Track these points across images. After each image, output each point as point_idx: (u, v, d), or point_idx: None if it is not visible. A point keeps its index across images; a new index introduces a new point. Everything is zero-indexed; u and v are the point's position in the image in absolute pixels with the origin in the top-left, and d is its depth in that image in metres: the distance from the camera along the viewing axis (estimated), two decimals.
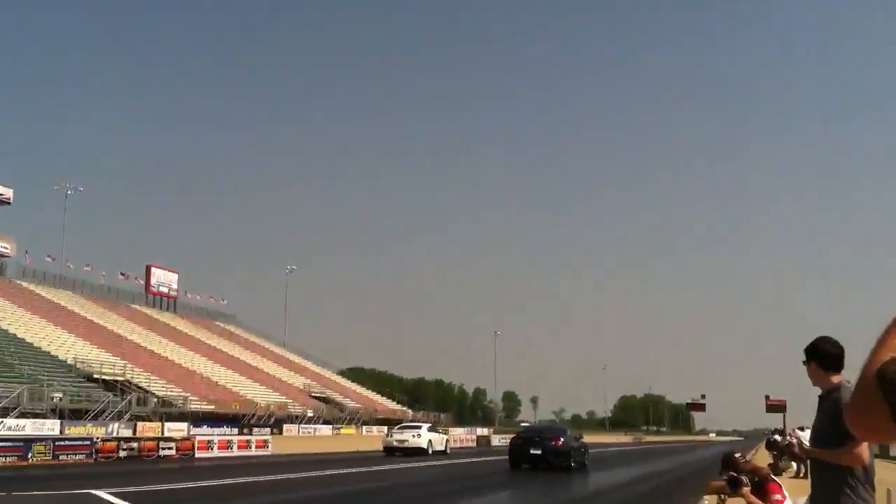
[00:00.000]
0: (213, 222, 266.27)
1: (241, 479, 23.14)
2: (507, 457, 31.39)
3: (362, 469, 29.37)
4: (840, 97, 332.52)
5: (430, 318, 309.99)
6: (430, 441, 42.03)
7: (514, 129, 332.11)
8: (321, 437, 63.78)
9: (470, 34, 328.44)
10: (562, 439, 31.15)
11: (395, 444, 41.36)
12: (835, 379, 4.65)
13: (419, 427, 45.14)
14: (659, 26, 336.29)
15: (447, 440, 46.12)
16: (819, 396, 4.78)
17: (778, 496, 8.13)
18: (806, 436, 29.30)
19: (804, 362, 4.78)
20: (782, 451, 27.53)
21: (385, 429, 70.47)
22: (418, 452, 40.16)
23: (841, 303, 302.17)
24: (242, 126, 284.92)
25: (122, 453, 32.48)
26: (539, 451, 30.19)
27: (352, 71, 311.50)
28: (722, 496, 9.23)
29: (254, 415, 65.61)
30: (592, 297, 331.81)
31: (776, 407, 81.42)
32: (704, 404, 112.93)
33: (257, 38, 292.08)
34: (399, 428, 45.90)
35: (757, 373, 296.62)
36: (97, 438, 34.97)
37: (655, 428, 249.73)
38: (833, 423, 4.51)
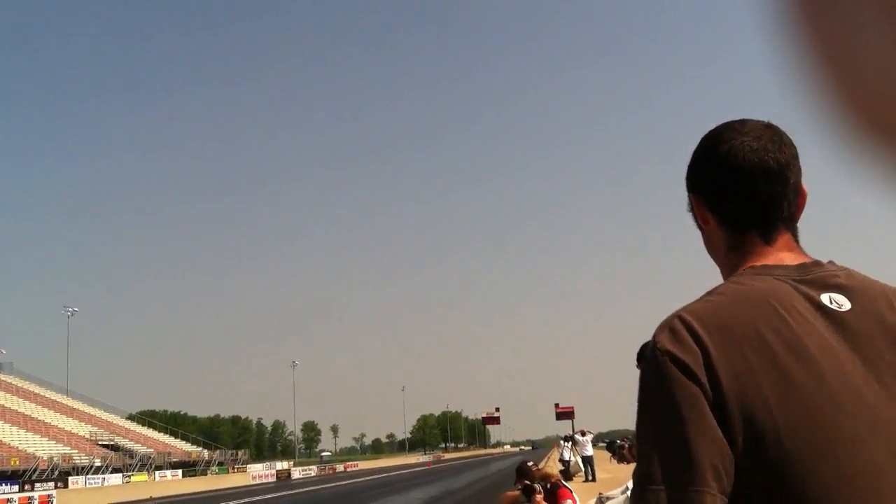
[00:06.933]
0: None
1: None
2: None
3: None
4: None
5: (223, 351, 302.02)
6: None
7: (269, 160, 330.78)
8: (111, 487, 60.40)
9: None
10: None
11: None
12: None
13: None
14: None
15: None
16: None
17: (569, 501, 8.67)
18: (587, 440, 31.04)
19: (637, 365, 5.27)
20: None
21: (180, 473, 67.85)
22: None
23: (629, 312, 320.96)
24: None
25: None
26: None
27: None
28: None
29: (35, 469, 61.41)
30: (386, 318, 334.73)
31: (565, 414, 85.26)
32: (499, 417, 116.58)
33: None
34: None
35: (546, 382, 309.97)
36: None
37: (453, 444, 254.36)
38: None
